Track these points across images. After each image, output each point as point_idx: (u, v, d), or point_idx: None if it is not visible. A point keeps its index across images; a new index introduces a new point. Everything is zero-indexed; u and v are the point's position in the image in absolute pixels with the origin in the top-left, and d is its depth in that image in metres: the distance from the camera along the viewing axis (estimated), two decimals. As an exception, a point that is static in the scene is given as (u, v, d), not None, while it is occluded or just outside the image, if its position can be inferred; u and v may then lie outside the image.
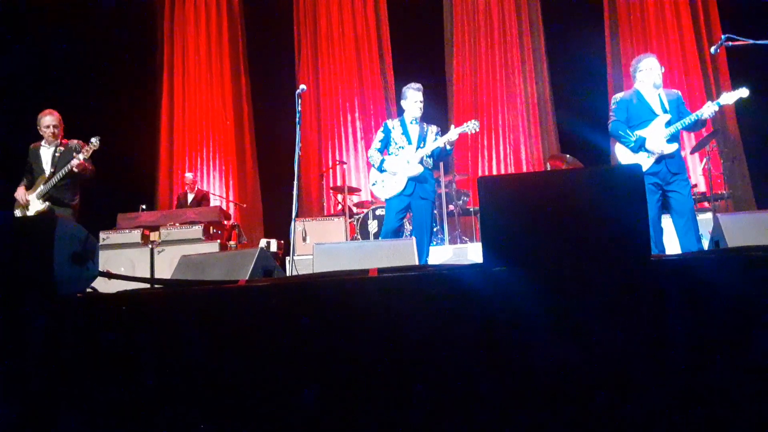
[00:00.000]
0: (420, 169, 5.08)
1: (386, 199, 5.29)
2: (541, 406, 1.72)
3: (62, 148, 5.34)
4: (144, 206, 8.17)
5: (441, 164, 7.93)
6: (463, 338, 1.80)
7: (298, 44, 10.34)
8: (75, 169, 5.15)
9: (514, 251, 1.93)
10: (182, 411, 1.86)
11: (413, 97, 5.23)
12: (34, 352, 1.92)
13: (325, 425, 1.80)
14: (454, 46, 10.06)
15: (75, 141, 5.39)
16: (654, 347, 1.70)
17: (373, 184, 5.34)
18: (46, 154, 5.37)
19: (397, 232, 5.27)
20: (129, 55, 9.67)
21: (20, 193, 5.34)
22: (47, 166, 5.31)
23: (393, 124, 5.33)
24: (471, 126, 5.08)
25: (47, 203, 5.23)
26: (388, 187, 5.18)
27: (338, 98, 10.14)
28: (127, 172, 9.00)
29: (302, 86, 5.14)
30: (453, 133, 5.04)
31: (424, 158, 5.13)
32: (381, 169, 5.24)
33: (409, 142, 5.18)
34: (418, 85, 5.29)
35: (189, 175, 9.24)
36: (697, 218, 4.74)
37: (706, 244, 4.69)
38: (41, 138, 5.43)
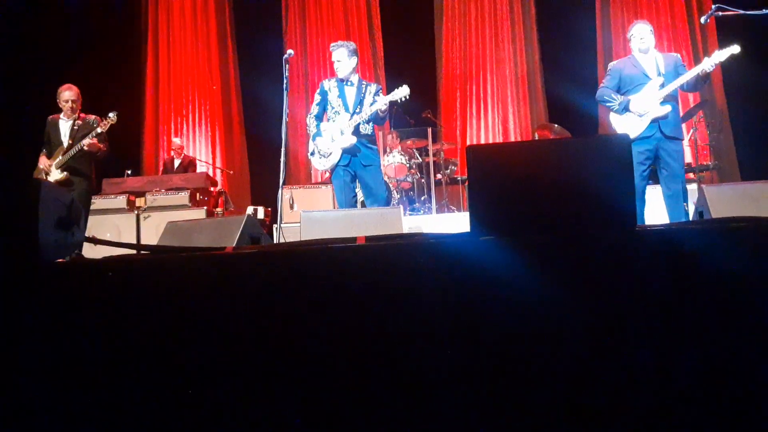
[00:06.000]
0: (353, 140, 4.79)
1: (330, 172, 5.05)
2: (528, 376, 1.74)
3: (80, 122, 5.58)
4: (129, 171, 8.09)
5: (429, 132, 7.92)
6: (449, 306, 1.82)
7: (285, 8, 10.18)
8: (86, 148, 5.43)
9: (502, 221, 1.94)
10: (168, 378, 1.87)
11: (333, 57, 4.94)
12: (17, 319, 1.91)
13: (309, 394, 1.81)
14: (444, 13, 9.95)
15: (93, 116, 5.62)
16: (638, 316, 1.73)
17: (311, 155, 5.09)
18: (65, 126, 5.59)
19: (353, 205, 5.06)
20: (113, 19, 9.48)
21: (42, 161, 5.57)
22: (65, 138, 5.55)
23: (329, 85, 5.00)
24: (400, 93, 4.77)
25: (65, 173, 5.46)
26: (323, 159, 4.95)
27: (326, 63, 10.01)
28: (112, 136, 8.87)
29: (290, 51, 5.05)
30: (380, 102, 4.77)
31: (361, 124, 4.84)
32: (315, 141, 4.99)
33: (345, 107, 4.88)
34: (334, 43, 5.01)
35: (176, 141, 9.14)
36: (687, 189, 4.78)
37: (692, 215, 4.72)
38: (58, 110, 5.64)
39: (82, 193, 5.45)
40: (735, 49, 4.54)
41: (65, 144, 5.51)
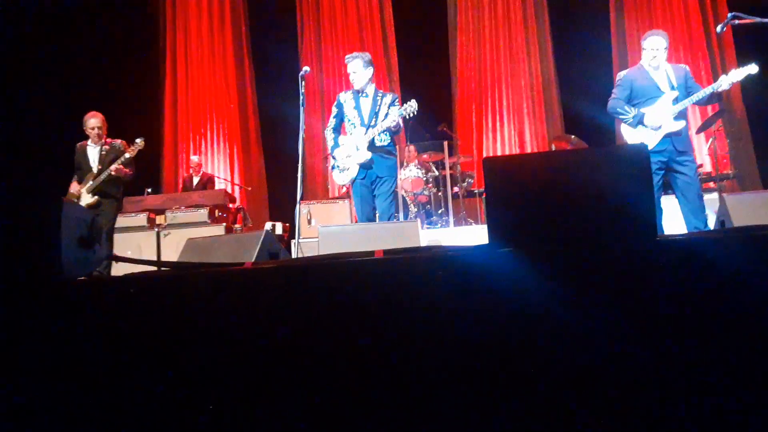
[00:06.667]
0: (368, 155, 4.83)
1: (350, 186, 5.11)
2: (548, 389, 1.72)
3: (107, 147, 5.84)
4: (149, 190, 8.18)
5: (446, 145, 7.91)
6: (467, 319, 1.81)
7: (300, 25, 10.28)
8: (113, 173, 5.69)
9: (520, 233, 1.93)
10: (188, 393, 1.88)
11: (348, 69, 4.98)
12: (39, 335, 1.93)
13: (328, 407, 1.81)
14: (458, 26, 9.98)
15: (118, 141, 5.90)
16: (660, 326, 1.71)
17: (333, 168, 5.15)
18: (93, 152, 5.85)
19: (373, 218, 5.10)
20: (132, 39, 9.62)
21: (74, 186, 5.81)
22: (94, 164, 5.80)
23: (345, 97, 5.04)
24: (409, 108, 4.76)
25: (96, 197, 5.70)
26: (343, 173, 5.01)
27: (341, 79, 10.08)
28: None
29: (305, 68, 5.09)
30: (390, 119, 4.79)
31: (376, 137, 4.86)
32: (333, 154, 5.04)
33: (361, 120, 4.90)
34: (349, 55, 5.02)
35: (194, 158, 9.24)
36: (703, 198, 4.71)
37: (712, 224, 4.67)
38: (85, 137, 5.89)
39: (109, 214, 5.70)
40: (753, 68, 4.49)
41: (95, 169, 5.75)
